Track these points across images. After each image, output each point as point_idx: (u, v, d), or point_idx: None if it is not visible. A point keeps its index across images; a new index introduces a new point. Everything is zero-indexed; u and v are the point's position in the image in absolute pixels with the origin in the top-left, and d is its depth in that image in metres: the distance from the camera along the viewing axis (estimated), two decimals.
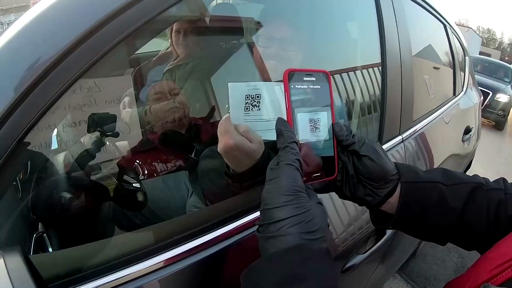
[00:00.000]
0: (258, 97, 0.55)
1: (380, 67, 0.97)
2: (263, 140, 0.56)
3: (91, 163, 0.70)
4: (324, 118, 0.51)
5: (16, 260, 0.39)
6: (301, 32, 0.85)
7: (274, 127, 0.49)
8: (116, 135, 0.71)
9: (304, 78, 0.50)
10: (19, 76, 0.45)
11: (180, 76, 1.04)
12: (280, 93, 0.54)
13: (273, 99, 0.55)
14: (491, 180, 0.57)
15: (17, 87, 0.44)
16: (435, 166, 1.32)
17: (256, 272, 0.39)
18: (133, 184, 0.70)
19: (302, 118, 0.50)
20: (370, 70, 0.98)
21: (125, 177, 0.69)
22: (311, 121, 0.50)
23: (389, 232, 0.97)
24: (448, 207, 0.52)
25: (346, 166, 0.53)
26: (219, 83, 0.97)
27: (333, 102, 0.53)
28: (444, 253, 2.47)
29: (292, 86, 0.49)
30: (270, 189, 0.42)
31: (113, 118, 0.69)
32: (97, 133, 0.69)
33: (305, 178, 0.46)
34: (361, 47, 1.03)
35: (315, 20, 0.92)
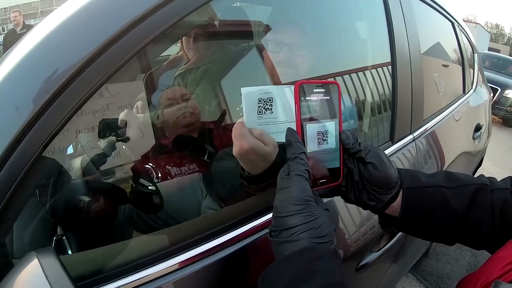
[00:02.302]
0: (270, 100, 0.56)
1: (390, 66, 0.98)
2: (278, 142, 0.57)
3: (106, 167, 0.72)
4: (332, 128, 0.54)
5: (51, 261, 0.41)
6: (311, 35, 0.86)
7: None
8: (126, 139, 0.73)
9: (314, 90, 0.52)
10: (47, 80, 0.47)
11: (191, 80, 1.06)
12: (291, 96, 0.56)
13: (285, 102, 0.56)
14: (500, 179, 0.59)
15: (44, 93, 0.46)
16: (447, 164, 1.32)
17: (272, 273, 0.43)
18: (149, 187, 0.71)
19: (310, 130, 0.52)
20: (380, 69, 0.99)
21: (141, 180, 0.71)
22: (318, 133, 0.53)
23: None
24: (451, 210, 0.54)
25: (351, 172, 0.55)
26: (230, 86, 0.98)
27: (341, 112, 0.55)
28: (457, 252, 2.45)
29: (302, 99, 0.51)
30: (282, 198, 0.45)
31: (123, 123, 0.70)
32: (110, 138, 0.71)
33: (311, 184, 0.48)
34: (371, 47, 1.03)
35: (325, 22, 0.93)
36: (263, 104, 0.56)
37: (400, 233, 0.98)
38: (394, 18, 1.00)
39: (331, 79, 0.62)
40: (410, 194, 0.55)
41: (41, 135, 0.46)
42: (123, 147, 0.74)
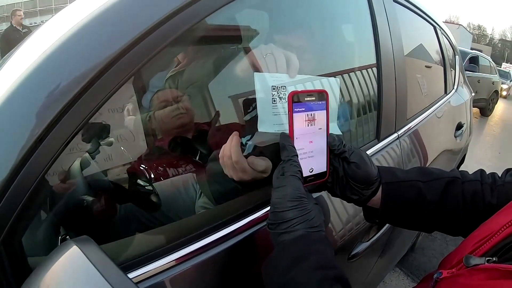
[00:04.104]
0: (284, 88, 0.60)
1: (375, 68, 1.02)
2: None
3: (102, 168, 0.73)
4: (322, 134, 0.60)
5: (91, 246, 0.43)
6: (302, 38, 0.89)
7: None
8: (110, 143, 0.74)
9: (306, 98, 0.57)
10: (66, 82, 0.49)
11: (182, 82, 1.07)
12: (309, 86, 0.61)
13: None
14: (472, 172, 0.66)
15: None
16: (430, 161, 1.37)
17: (274, 259, 0.50)
18: (146, 187, 0.73)
19: (301, 137, 0.57)
20: (366, 71, 1.03)
21: (138, 181, 0.73)
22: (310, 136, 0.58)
23: (388, 224, 1.02)
24: (426, 201, 0.61)
25: (337, 170, 0.62)
26: (220, 88, 1.00)
27: (328, 118, 0.60)
28: (442, 246, 2.52)
29: (295, 108, 0.56)
30: (278, 195, 0.52)
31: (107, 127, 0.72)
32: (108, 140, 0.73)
33: (302, 182, 0.54)
34: (358, 49, 1.08)
35: (313, 26, 0.96)
36: (277, 93, 0.59)
37: (387, 225, 1.03)
38: (379, 22, 1.04)
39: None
40: (389, 188, 0.61)
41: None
42: (122, 147, 0.75)
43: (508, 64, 41.26)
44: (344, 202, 0.77)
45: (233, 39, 0.95)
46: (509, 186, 0.61)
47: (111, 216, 0.71)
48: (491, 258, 0.48)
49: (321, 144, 0.60)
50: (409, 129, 1.19)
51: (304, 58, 0.88)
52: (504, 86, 14.95)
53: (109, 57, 0.50)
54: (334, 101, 0.65)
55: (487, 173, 0.66)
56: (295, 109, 0.56)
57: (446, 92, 1.86)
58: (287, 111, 0.56)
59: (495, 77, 9.26)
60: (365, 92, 1.02)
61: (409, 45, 1.45)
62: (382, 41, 1.03)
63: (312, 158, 0.59)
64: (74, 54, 0.50)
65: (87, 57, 0.50)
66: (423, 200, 0.61)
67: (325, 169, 0.60)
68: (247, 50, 0.89)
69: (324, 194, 0.80)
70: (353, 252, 0.89)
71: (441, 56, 1.90)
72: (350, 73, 0.98)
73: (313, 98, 0.57)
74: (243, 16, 0.85)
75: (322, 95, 0.58)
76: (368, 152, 0.95)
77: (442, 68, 1.90)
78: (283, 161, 0.54)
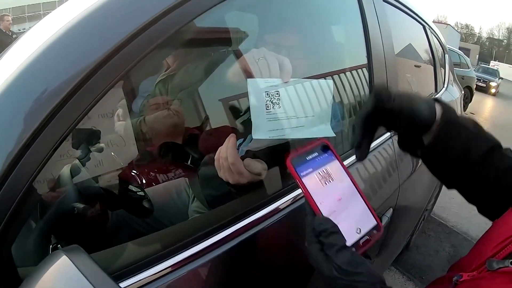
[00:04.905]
0: (277, 94, 0.56)
1: (366, 68, 1.02)
2: (285, 138, 0.59)
3: (92, 174, 0.72)
4: (347, 184, 0.52)
5: (81, 255, 0.41)
6: (294, 40, 0.89)
7: (297, 125, 0.54)
8: (100, 149, 0.73)
9: (307, 158, 0.50)
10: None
11: (173, 87, 1.06)
12: (302, 89, 0.56)
13: (291, 96, 0.56)
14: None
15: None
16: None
17: None
18: (138, 193, 0.72)
19: (325, 199, 0.49)
20: (357, 71, 1.03)
21: (130, 186, 0.72)
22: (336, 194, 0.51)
23: (384, 222, 1.02)
24: (467, 156, 0.55)
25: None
26: (211, 91, 1.00)
27: (343, 164, 0.53)
28: (437, 243, 2.54)
29: (301, 173, 0.49)
30: (341, 268, 0.46)
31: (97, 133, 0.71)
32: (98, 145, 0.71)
33: (354, 249, 0.49)
34: (349, 50, 1.08)
35: (304, 27, 0.96)
36: (271, 98, 0.55)
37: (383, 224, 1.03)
38: (369, 22, 1.04)
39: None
40: (445, 128, 0.55)
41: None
42: (112, 153, 0.74)
43: (496, 62, 41.97)
44: None
45: (223, 42, 0.95)
46: None
47: (103, 224, 0.69)
48: None
49: (353, 195, 0.52)
50: None
51: (296, 60, 0.87)
52: (493, 84, 15.23)
53: (97, 60, 0.49)
54: (327, 102, 0.63)
55: None
56: (301, 174, 0.49)
57: (436, 91, 1.88)
58: (294, 178, 0.48)
59: (468, 72, 8.99)
60: (357, 92, 1.02)
61: (399, 44, 1.47)
62: (373, 41, 1.04)
63: (351, 217, 0.50)
64: (61, 58, 0.50)
65: (74, 61, 0.49)
66: (465, 153, 0.56)
67: (374, 222, 0.52)
68: (237, 53, 0.89)
69: None
70: None
71: (430, 55, 1.92)
72: (342, 74, 0.98)
73: (315, 154, 0.51)
74: (232, 18, 0.84)
75: (323, 146, 0.52)
76: None
77: (432, 67, 1.92)
78: (318, 241, 0.47)
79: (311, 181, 0.49)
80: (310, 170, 0.49)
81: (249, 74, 0.63)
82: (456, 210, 3.00)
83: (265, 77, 0.58)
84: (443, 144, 0.56)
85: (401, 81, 1.26)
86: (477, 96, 14.01)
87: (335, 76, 0.98)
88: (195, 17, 0.60)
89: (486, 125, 7.41)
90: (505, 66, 39.31)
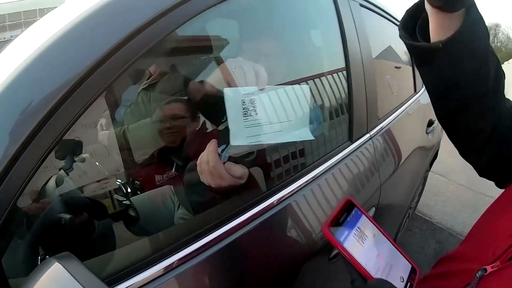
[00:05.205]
0: (253, 101, 0.58)
1: (344, 72, 1.05)
2: (264, 143, 0.61)
3: (77, 185, 0.72)
4: (380, 237, 0.54)
5: (74, 262, 0.42)
6: (270, 46, 0.91)
7: (275, 131, 0.56)
8: (82, 160, 0.73)
9: (340, 221, 0.51)
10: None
11: (155, 95, 1.07)
12: (275, 96, 0.58)
13: (268, 102, 0.58)
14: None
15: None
16: (403, 158, 1.42)
17: None
18: (123, 202, 0.73)
19: (368, 260, 0.50)
20: (335, 75, 1.06)
21: (115, 195, 0.72)
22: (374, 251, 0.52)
23: None
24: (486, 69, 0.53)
25: None
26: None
27: (371, 217, 0.54)
28: (422, 240, 2.59)
29: (340, 239, 0.49)
30: None
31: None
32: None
33: None
34: (327, 54, 1.11)
35: (283, 33, 0.98)
36: (248, 105, 0.58)
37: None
38: (346, 27, 1.07)
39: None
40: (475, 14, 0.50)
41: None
42: (97, 163, 0.75)
43: None
44: (322, 203, 0.79)
45: (204, 49, 0.96)
46: None
47: (90, 233, 0.70)
48: None
49: (387, 246, 0.53)
50: (381, 129, 1.22)
51: (275, 65, 0.90)
52: None
53: (81, 73, 0.51)
54: (304, 107, 0.65)
55: None
56: (341, 239, 0.49)
57: (415, 91, 1.93)
58: (335, 247, 0.49)
59: None
60: (336, 95, 1.05)
61: (378, 47, 1.50)
62: (350, 45, 1.07)
63: (393, 269, 0.51)
64: (46, 71, 0.51)
65: (58, 74, 0.51)
66: (483, 67, 0.53)
67: (410, 265, 0.54)
68: (218, 60, 0.90)
69: (301, 197, 0.81)
70: (334, 253, 0.91)
71: (409, 56, 1.97)
72: (321, 78, 1.00)
73: (345, 214, 0.52)
74: (213, 26, 0.86)
75: (349, 204, 0.53)
76: (342, 154, 0.97)
77: (411, 68, 1.97)
78: None
79: (351, 244, 0.49)
80: (346, 233, 0.50)
81: (227, 82, 0.65)
82: (441, 207, 3.07)
83: (242, 85, 0.60)
84: (471, 32, 0.50)
85: (380, 83, 1.30)
86: None
87: (316, 80, 1.00)
88: (176, 28, 0.62)
89: None
90: None
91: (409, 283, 0.52)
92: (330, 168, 0.92)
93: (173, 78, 1.07)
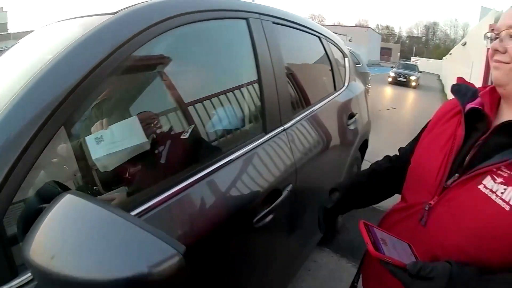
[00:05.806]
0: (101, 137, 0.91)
1: (257, 84, 1.31)
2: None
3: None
4: (393, 239, 0.71)
5: (85, 195, 0.51)
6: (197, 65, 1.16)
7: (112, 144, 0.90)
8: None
9: (369, 233, 0.69)
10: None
11: (107, 110, 1.22)
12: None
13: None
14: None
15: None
16: (322, 145, 1.71)
17: None
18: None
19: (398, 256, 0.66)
20: (250, 86, 1.31)
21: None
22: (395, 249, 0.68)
23: (283, 195, 1.29)
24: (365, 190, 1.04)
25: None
26: (142, 110, 1.20)
27: (383, 230, 0.73)
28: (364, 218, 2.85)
29: (380, 249, 0.65)
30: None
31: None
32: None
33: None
34: (241, 69, 1.36)
35: (207, 56, 1.23)
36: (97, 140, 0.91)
37: (282, 196, 1.28)
38: (257, 44, 1.33)
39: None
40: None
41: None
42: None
43: (417, 58, 45.44)
44: (250, 170, 1.09)
45: (148, 67, 1.16)
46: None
47: None
48: (456, 174, 0.68)
49: (394, 240, 0.71)
50: (296, 122, 1.51)
51: (196, 83, 1.14)
52: (412, 78, 17.07)
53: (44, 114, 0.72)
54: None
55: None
56: (382, 249, 0.65)
57: (335, 89, 2.24)
58: (381, 258, 0.65)
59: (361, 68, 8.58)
60: (250, 99, 1.31)
61: (294, 56, 1.79)
62: (261, 58, 1.33)
63: (404, 250, 0.69)
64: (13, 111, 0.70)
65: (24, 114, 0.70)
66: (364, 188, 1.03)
67: (406, 244, 0.72)
68: (161, 74, 1.11)
69: (223, 174, 1.06)
70: (258, 217, 1.14)
71: (328, 60, 2.27)
72: (235, 91, 1.26)
73: (370, 233, 0.68)
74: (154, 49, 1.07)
75: (366, 225, 0.70)
76: (256, 142, 1.24)
77: (330, 71, 2.28)
78: (420, 277, 0.62)
79: (388, 251, 0.65)
80: (380, 246, 0.66)
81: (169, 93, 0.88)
82: None
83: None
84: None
85: (298, 84, 1.59)
86: (399, 90, 15.36)
87: (235, 91, 1.26)
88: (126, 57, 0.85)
89: (406, 116, 8.10)
90: (424, 60, 43.06)
91: (415, 255, 0.70)
92: (247, 152, 1.17)
93: (123, 93, 1.24)
